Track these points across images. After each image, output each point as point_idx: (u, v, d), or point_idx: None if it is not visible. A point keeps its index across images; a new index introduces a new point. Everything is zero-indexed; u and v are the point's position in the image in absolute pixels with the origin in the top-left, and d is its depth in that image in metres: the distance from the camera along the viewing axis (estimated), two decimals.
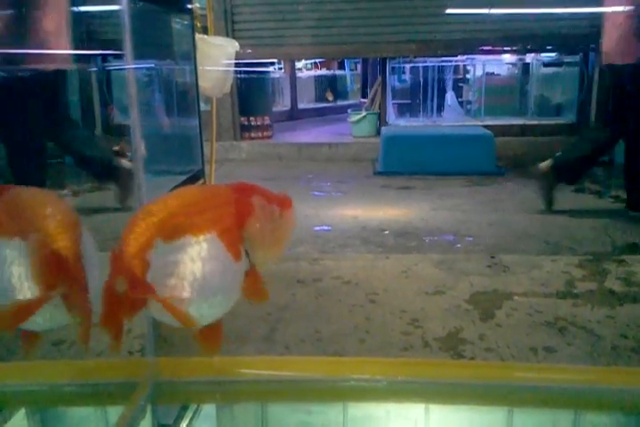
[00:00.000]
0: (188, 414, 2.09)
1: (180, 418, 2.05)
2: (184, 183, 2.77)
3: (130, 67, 1.62)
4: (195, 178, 3.27)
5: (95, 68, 8.19)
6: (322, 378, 2.00)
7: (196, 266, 1.02)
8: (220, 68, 3.59)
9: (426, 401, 1.98)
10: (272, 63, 8.87)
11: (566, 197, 5.54)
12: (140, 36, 2.82)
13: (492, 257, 3.45)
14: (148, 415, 1.88)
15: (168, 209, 1.04)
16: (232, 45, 3.72)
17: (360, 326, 2.52)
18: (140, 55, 2.80)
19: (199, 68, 3.36)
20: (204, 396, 2.04)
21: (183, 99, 3.33)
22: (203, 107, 4.05)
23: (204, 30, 3.90)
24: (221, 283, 1.05)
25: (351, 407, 2.01)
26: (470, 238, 4.12)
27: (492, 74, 9.00)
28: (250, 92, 8.32)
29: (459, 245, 3.96)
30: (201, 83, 3.39)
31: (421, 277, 3.12)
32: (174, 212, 1.03)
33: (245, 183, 1.11)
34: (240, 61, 7.51)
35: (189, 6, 3.34)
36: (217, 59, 3.52)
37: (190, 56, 3.33)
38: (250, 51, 7.72)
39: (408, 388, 1.99)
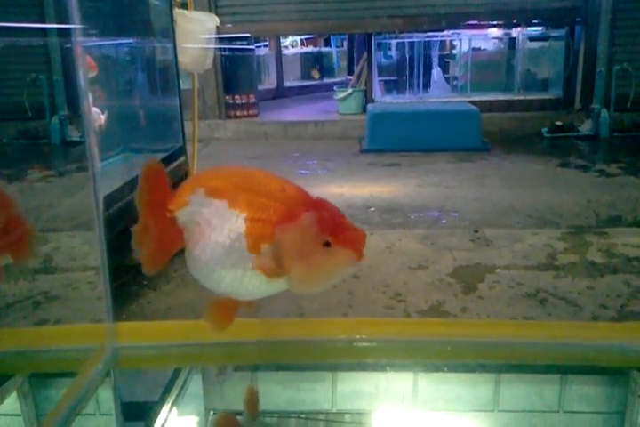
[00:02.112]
0: (174, 392, 2.10)
1: (165, 394, 2.06)
2: (162, 161, 2.74)
3: (77, 40, 1.60)
4: (174, 156, 3.23)
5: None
6: (284, 339, 2.01)
7: (211, 227, 1.14)
8: (201, 44, 3.53)
9: (414, 360, 1.99)
10: (252, 39, 8.65)
11: (551, 171, 5.56)
12: (115, 10, 2.76)
13: (476, 231, 3.46)
14: (109, 380, 1.87)
15: (227, 173, 1.18)
16: (212, 20, 3.65)
17: (343, 301, 2.54)
18: (115, 31, 2.76)
19: (179, 43, 3.31)
20: (166, 360, 2.03)
21: (162, 75, 3.27)
22: (188, 85, 4.00)
23: (184, 6, 3.82)
24: (224, 256, 1.12)
25: (340, 383, 2.02)
26: (455, 214, 4.13)
27: (478, 49, 8.94)
28: (235, 70, 8.20)
29: (444, 221, 3.98)
30: (181, 58, 3.34)
31: (405, 252, 3.14)
32: (229, 178, 1.15)
33: (324, 201, 1.09)
34: (224, 36, 7.39)
35: None
36: (197, 34, 3.46)
37: (169, 32, 3.27)
38: (229, 25, 7.60)
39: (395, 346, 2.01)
